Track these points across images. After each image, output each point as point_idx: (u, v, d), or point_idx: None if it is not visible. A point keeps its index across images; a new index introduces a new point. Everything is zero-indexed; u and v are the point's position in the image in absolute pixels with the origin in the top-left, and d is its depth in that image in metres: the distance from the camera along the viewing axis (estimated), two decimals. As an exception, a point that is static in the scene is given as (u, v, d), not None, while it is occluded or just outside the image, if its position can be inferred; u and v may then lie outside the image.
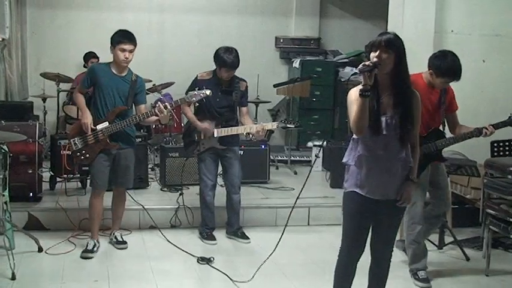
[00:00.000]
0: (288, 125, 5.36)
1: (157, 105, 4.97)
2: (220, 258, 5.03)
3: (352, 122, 3.25)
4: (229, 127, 5.34)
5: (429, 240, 5.13)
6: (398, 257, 4.70)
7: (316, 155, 7.98)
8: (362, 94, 3.14)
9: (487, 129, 4.46)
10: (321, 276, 4.54)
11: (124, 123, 4.96)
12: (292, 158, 8.33)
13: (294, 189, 6.86)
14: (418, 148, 3.51)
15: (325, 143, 7.86)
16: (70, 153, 5.28)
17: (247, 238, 5.54)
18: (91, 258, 5.02)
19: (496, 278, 4.84)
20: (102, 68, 5.09)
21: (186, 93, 5.14)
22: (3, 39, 7.67)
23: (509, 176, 4.79)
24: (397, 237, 3.99)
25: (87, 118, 4.96)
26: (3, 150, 4.74)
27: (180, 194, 6.01)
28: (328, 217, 6.00)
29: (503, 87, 6.26)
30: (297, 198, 4.01)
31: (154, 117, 5.00)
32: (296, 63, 9.47)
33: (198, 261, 4.94)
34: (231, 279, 4.56)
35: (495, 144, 5.55)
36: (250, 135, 5.42)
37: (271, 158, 7.60)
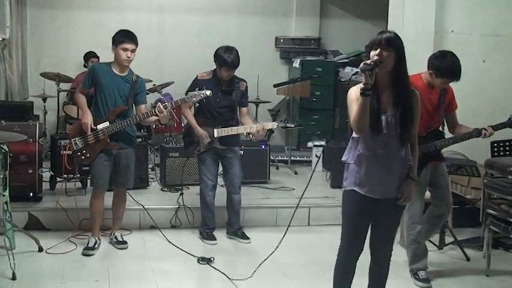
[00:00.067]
0: (288, 125, 5.36)
1: (157, 105, 4.97)
2: (220, 258, 5.03)
3: (353, 121, 3.25)
4: (230, 127, 5.34)
5: (429, 241, 5.14)
6: (400, 256, 4.69)
7: (316, 155, 8.00)
8: (363, 93, 3.14)
9: (487, 130, 4.45)
10: (321, 276, 4.54)
11: (124, 123, 4.96)
12: (292, 158, 8.33)
13: (294, 189, 6.87)
14: (417, 147, 3.51)
15: (325, 143, 7.88)
16: (70, 153, 5.27)
17: (248, 238, 5.54)
18: (92, 255, 5.04)
19: (497, 278, 4.84)
20: (103, 68, 5.10)
21: (186, 93, 5.14)
22: (3, 39, 7.67)
23: (510, 176, 4.79)
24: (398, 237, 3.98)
25: (88, 118, 4.98)
26: (3, 150, 4.74)
27: (181, 194, 6.01)
28: (329, 217, 6.00)
29: (503, 87, 6.26)
30: (300, 198, 4.00)
31: (154, 117, 5.00)
32: (296, 63, 9.47)
33: (198, 261, 4.94)
34: (229, 278, 4.56)
35: (495, 145, 5.55)
36: (251, 135, 5.43)
37: (272, 158, 7.61)
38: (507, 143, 5.55)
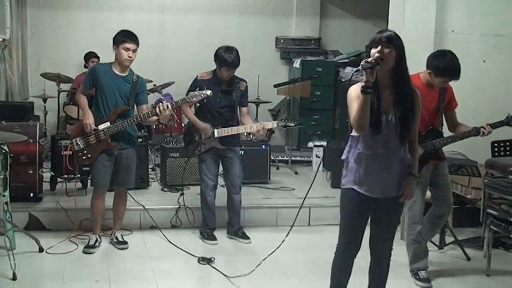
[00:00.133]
0: (289, 124, 5.36)
1: (158, 105, 4.99)
2: (221, 258, 5.03)
3: (354, 119, 3.25)
4: (230, 127, 5.34)
5: (430, 240, 5.12)
6: (400, 256, 4.69)
7: (317, 156, 8.00)
8: (364, 91, 3.14)
9: (485, 128, 4.46)
10: (321, 276, 4.53)
11: (125, 123, 4.97)
12: (292, 158, 8.34)
13: (294, 189, 6.87)
14: (417, 144, 3.52)
15: (326, 143, 7.88)
16: (71, 153, 5.28)
17: (248, 238, 5.55)
18: (92, 253, 5.06)
19: (497, 278, 4.84)
20: (104, 69, 5.12)
21: (187, 94, 5.15)
22: (3, 40, 7.67)
23: (510, 176, 4.79)
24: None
25: (89, 119, 4.99)
26: (3, 151, 4.74)
27: (181, 194, 6.01)
28: (329, 217, 6.00)
29: (503, 87, 6.26)
30: (304, 199, 3.99)
31: (154, 117, 5.02)
32: (296, 64, 9.47)
33: (198, 261, 4.94)
34: (225, 275, 4.56)
35: (496, 144, 5.55)
36: (251, 135, 5.43)
37: (272, 158, 7.61)
38: (507, 143, 5.56)
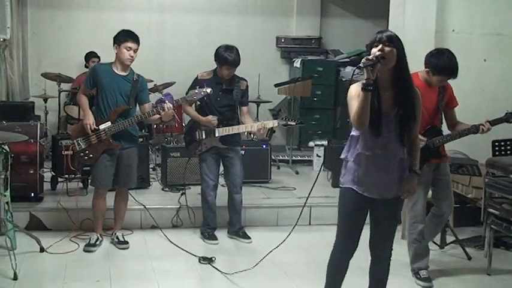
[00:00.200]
0: (289, 122, 5.36)
1: (159, 105, 5.00)
2: (221, 258, 5.03)
3: (354, 117, 3.25)
4: (231, 126, 5.34)
5: (431, 240, 5.13)
6: (401, 255, 4.69)
7: (317, 155, 8.00)
8: (365, 88, 3.14)
9: (484, 125, 4.46)
10: (322, 275, 4.49)
11: (126, 122, 4.98)
12: (293, 157, 8.34)
13: (295, 188, 6.87)
14: (418, 142, 3.52)
15: (326, 143, 7.88)
16: (72, 153, 5.28)
17: (249, 238, 5.55)
18: (93, 251, 5.07)
19: (498, 277, 4.84)
20: (104, 68, 5.13)
21: (187, 92, 5.16)
22: (4, 40, 7.68)
23: (511, 175, 4.79)
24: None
25: (89, 119, 5.00)
26: (4, 151, 4.74)
27: (182, 194, 6.01)
28: (330, 216, 5.95)
29: (504, 86, 6.26)
30: (307, 199, 3.99)
31: (156, 116, 5.03)
32: (297, 63, 9.47)
33: (199, 261, 4.94)
34: (228, 274, 4.56)
35: (496, 144, 5.55)
36: (252, 135, 5.43)
37: (273, 157, 7.61)
38: (508, 142, 5.55)
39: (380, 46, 3.21)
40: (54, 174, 6.33)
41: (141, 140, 6.47)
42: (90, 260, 4.96)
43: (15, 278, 4.39)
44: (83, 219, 5.56)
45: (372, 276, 3.68)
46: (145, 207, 5.79)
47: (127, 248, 5.23)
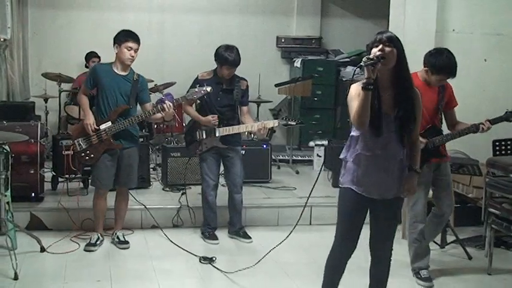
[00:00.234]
0: (290, 122, 5.36)
1: (160, 104, 5.01)
2: (222, 257, 5.03)
3: (354, 117, 3.25)
4: (231, 126, 5.34)
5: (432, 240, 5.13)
6: (401, 255, 4.69)
7: (318, 155, 8.00)
8: (365, 87, 3.15)
9: (484, 124, 4.46)
10: (322, 275, 4.52)
11: (127, 122, 4.99)
12: (293, 157, 8.34)
13: (295, 188, 6.87)
14: (419, 142, 3.53)
15: (327, 142, 7.88)
16: (72, 153, 5.28)
17: (249, 238, 5.55)
18: (94, 251, 5.08)
19: (498, 276, 4.84)
20: (104, 68, 5.14)
21: (187, 92, 5.16)
22: (4, 40, 7.68)
23: (511, 175, 4.78)
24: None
25: (90, 119, 5.01)
26: (5, 151, 4.74)
27: (182, 194, 6.01)
28: (330, 216, 5.90)
29: (504, 86, 6.26)
30: (308, 198, 3.98)
31: (158, 115, 5.04)
32: (297, 63, 9.47)
33: (200, 261, 4.94)
34: (228, 273, 4.56)
35: (497, 143, 5.55)
36: (252, 135, 5.43)
37: (273, 157, 7.61)
38: (509, 142, 5.55)
39: (380, 46, 3.21)
40: (54, 174, 6.34)
41: (141, 140, 6.48)
42: (91, 259, 4.96)
43: (15, 277, 4.39)
44: (84, 219, 5.56)
45: (372, 277, 3.68)
46: (145, 207, 5.79)
47: (127, 248, 5.23)
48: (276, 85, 8.43)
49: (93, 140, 5.02)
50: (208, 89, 5.03)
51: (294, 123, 5.41)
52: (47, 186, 6.16)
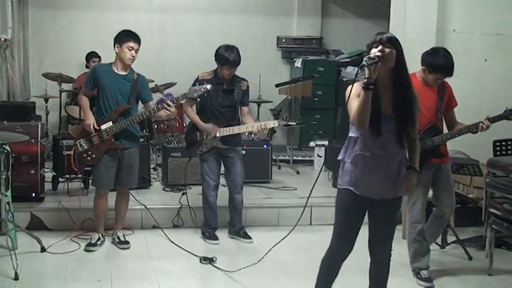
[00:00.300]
0: (290, 122, 5.36)
1: (161, 104, 5.03)
2: (222, 258, 5.02)
3: (354, 116, 3.25)
4: (231, 127, 5.34)
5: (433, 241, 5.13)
6: (401, 255, 4.69)
7: (318, 155, 8.00)
8: (366, 87, 3.15)
9: (483, 123, 4.47)
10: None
11: (128, 121, 4.99)
12: (294, 157, 8.34)
13: (296, 189, 6.87)
14: (418, 143, 3.53)
15: (327, 143, 7.88)
16: (73, 153, 5.28)
17: (250, 238, 5.55)
18: (94, 251, 5.08)
19: (499, 277, 4.84)
20: (104, 69, 5.15)
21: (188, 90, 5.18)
22: (5, 40, 7.69)
23: (512, 175, 4.79)
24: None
25: (90, 120, 5.02)
26: (5, 151, 4.74)
27: (183, 194, 6.01)
28: (331, 217, 5.89)
29: (504, 86, 6.26)
30: (308, 198, 3.98)
31: (162, 112, 5.05)
32: (298, 63, 9.47)
33: (200, 261, 4.94)
34: (229, 274, 4.56)
35: (497, 144, 5.55)
36: (253, 135, 5.43)
37: (274, 157, 7.61)
38: (509, 142, 5.55)
39: (380, 47, 3.22)
40: (55, 174, 6.34)
41: (142, 140, 6.48)
42: (91, 260, 4.96)
43: (16, 278, 4.39)
44: (84, 219, 5.56)
45: (372, 277, 3.68)
46: (146, 207, 5.79)
47: (128, 248, 5.23)
48: (277, 85, 8.43)
49: (94, 140, 5.02)
50: (208, 86, 5.03)
51: (295, 124, 5.41)
52: (48, 186, 6.17)
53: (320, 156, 8.03)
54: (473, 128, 4.49)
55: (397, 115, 3.33)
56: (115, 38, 5.07)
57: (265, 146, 7.19)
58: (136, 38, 5.05)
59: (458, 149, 5.44)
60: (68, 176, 6.17)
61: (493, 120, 4.49)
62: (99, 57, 8.20)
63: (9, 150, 4.83)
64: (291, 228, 4.23)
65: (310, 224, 6.10)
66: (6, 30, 7.66)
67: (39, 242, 5.03)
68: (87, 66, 8.36)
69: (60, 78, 7.88)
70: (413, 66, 4.50)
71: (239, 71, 5.44)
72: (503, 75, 6.28)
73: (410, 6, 6.15)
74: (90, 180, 5.72)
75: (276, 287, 4.57)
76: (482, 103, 6.07)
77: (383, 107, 3.31)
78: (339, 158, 3.50)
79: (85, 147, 5.05)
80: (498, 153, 5.56)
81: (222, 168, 5.60)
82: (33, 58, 8.93)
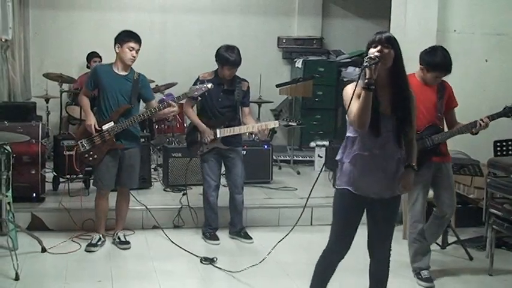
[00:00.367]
0: (290, 123, 5.36)
1: (162, 103, 5.04)
2: (223, 258, 5.03)
3: (355, 116, 3.25)
4: (232, 127, 5.35)
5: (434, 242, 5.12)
6: (402, 255, 4.69)
7: (319, 155, 8.00)
8: (367, 88, 3.15)
9: (482, 121, 4.46)
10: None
11: (129, 121, 5.00)
12: (295, 158, 8.34)
13: (296, 189, 6.87)
14: (415, 142, 3.53)
15: (328, 143, 7.88)
16: (77, 154, 5.27)
17: (250, 238, 5.55)
18: (95, 251, 5.08)
19: (500, 277, 4.84)
20: (104, 69, 5.15)
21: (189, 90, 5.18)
22: (6, 40, 7.69)
23: (512, 175, 4.79)
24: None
25: (91, 120, 5.02)
26: (6, 151, 4.75)
27: (184, 194, 6.01)
28: (331, 217, 5.98)
29: (504, 86, 6.26)
30: (307, 199, 3.98)
31: (167, 109, 5.07)
32: (298, 63, 9.47)
33: (201, 261, 4.94)
34: (232, 275, 4.56)
35: (498, 144, 5.55)
36: (253, 135, 5.43)
37: (274, 158, 7.61)
38: (510, 142, 5.55)
39: (379, 47, 3.22)
40: (55, 174, 6.34)
41: (142, 140, 6.48)
42: (92, 260, 4.96)
43: (16, 278, 4.39)
44: (85, 219, 5.56)
45: (372, 277, 3.67)
46: (146, 208, 5.79)
47: (128, 248, 5.24)
48: (277, 85, 8.43)
49: (96, 141, 5.03)
50: (209, 85, 5.04)
51: (295, 124, 5.41)
52: (48, 186, 6.17)
53: (321, 157, 8.03)
54: (472, 126, 4.48)
55: (396, 115, 3.34)
56: (115, 38, 5.08)
57: (265, 147, 7.19)
58: (137, 38, 5.06)
59: (458, 149, 5.44)
60: (68, 176, 6.17)
61: (492, 118, 4.50)
62: (100, 57, 8.21)
63: (10, 150, 4.83)
64: (292, 227, 4.23)
65: (311, 224, 6.10)
66: (7, 30, 7.66)
67: (40, 242, 5.03)
68: (88, 67, 8.36)
69: (61, 79, 7.88)
70: (414, 66, 4.51)
71: (240, 72, 5.44)
72: (504, 75, 6.28)
73: (411, 6, 6.15)
74: (91, 181, 5.72)
75: (277, 287, 4.57)
76: (482, 103, 6.06)
77: (381, 107, 3.32)
78: (337, 158, 3.50)
79: (87, 147, 5.05)
80: (499, 153, 5.55)
81: (223, 169, 5.60)
82: (34, 58, 8.93)
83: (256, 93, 8.47)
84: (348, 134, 3.43)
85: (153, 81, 7.98)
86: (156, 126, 8.19)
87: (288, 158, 8.38)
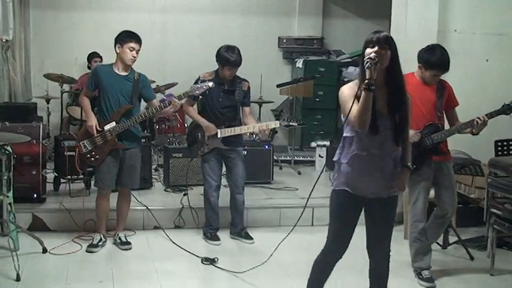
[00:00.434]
0: (291, 123, 5.36)
1: (163, 103, 5.04)
2: (224, 258, 5.03)
3: (355, 117, 3.25)
4: (233, 127, 5.35)
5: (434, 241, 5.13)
6: (402, 255, 4.69)
7: (320, 155, 8.00)
8: (368, 88, 3.16)
9: (479, 118, 4.46)
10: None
11: (131, 121, 5.00)
12: (295, 158, 8.34)
13: (297, 189, 6.87)
14: (409, 142, 3.54)
15: (328, 143, 7.88)
16: (79, 155, 5.28)
17: (251, 238, 5.55)
18: (96, 252, 5.08)
19: (501, 277, 4.84)
20: (105, 70, 5.15)
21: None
22: (6, 41, 7.69)
23: (513, 175, 4.79)
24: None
25: (92, 121, 5.02)
26: (7, 152, 4.75)
27: (184, 195, 6.01)
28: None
29: (504, 86, 6.25)
30: (308, 199, 3.98)
31: (169, 108, 5.06)
32: (299, 63, 9.47)
33: (202, 262, 4.95)
34: (236, 275, 4.56)
35: (499, 144, 5.55)
36: (254, 135, 5.43)
37: (275, 158, 7.61)
38: (511, 142, 5.55)
39: (376, 48, 3.22)
40: (56, 175, 6.35)
41: (143, 140, 6.49)
42: (93, 260, 4.96)
43: (17, 279, 4.39)
44: (86, 220, 5.56)
45: (372, 277, 3.67)
46: (147, 208, 5.79)
47: (129, 249, 5.24)
48: (278, 86, 8.43)
49: (98, 141, 5.03)
50: (210, 84, 5.04)
51: (296, 124, 5.41)
52: (49, 187, 6.17)
53: (321, 157, 8.03)
54: (470, 124, 4.48)
55: (393, 114, 3.34)
56: (116, 38, 5.08)
57: (266, 147, 7.19)
58: (137, 39, 5.06)
59: (459, 149, 5.43)
60: (69, 176, 6.18)
61: (490, 115, 4.50)
62: (101, 57, 8.22)
63: (10, 151, 4.83)
64: (293, 229, 4.23)
65: (312, 224, 6.10)
66: (7, 31, 7.67)
67: (41, 243, 5.03)
68: (89, 67, 8.37)
69: (61, 79, 7.88)
70: (414, 66, 4.52)
71: (240, 72, 5.44)
72: (504, 75, 6.27)
73: (411, 6, 6.14)
74: (92, 181, 5.72)
75: (277, 287, 4.57)
76: (483, 103, 6.03)
77: (378, 106, 3.32)
78: (335, 159, 3.51)
79: (89, 148, 5.05)
80: (500, 153, 5.55)
81: (224, 169, 5.60)
82: (35, 59, 8.94)
83: (257, 93, 8.47)
84: (345, 134, 3.43)
85: (154, 82, 7.97)
86: (157, 127, 8.20)
87: (288, 158, 8.39)
